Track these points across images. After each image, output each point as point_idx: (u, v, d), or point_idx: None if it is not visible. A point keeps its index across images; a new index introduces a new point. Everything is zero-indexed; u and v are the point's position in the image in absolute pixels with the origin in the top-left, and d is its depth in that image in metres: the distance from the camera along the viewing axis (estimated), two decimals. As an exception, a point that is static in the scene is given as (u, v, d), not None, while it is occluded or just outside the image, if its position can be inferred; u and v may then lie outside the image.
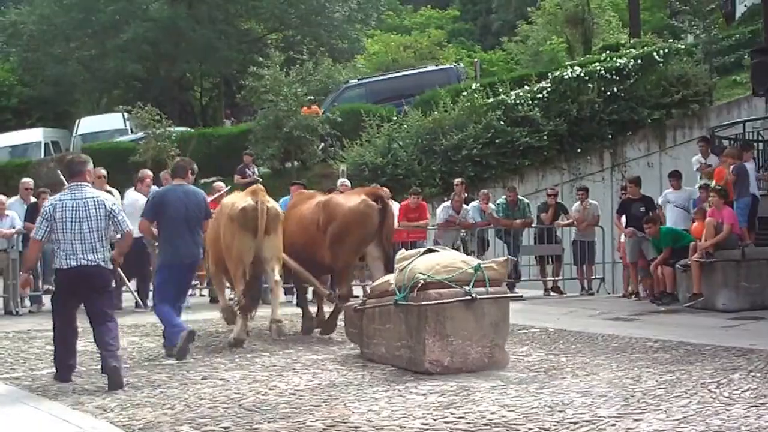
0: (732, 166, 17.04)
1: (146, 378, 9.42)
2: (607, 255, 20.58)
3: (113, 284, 10.81)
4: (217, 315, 12.98)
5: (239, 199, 11.99)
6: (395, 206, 18.98)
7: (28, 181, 18.11)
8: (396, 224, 18.24)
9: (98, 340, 9.42)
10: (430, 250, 10.70)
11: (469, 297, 9.57)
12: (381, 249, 12.51)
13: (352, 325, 11.39)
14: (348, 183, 18.14)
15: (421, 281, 9.70)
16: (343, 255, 12.61)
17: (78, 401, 8.23)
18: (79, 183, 9.69)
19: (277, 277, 12.03)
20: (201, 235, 11.38)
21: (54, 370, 9.62)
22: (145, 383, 9.11)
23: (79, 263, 9.33)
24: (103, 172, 18.55)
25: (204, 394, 8.47)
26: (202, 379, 9.37)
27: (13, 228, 16.18)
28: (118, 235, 9.87)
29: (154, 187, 17.82)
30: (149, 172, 18.27)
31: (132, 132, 37.32)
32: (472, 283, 9.70)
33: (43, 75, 47.79)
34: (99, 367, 9.48)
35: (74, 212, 9.41)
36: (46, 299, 16.65)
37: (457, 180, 20.62)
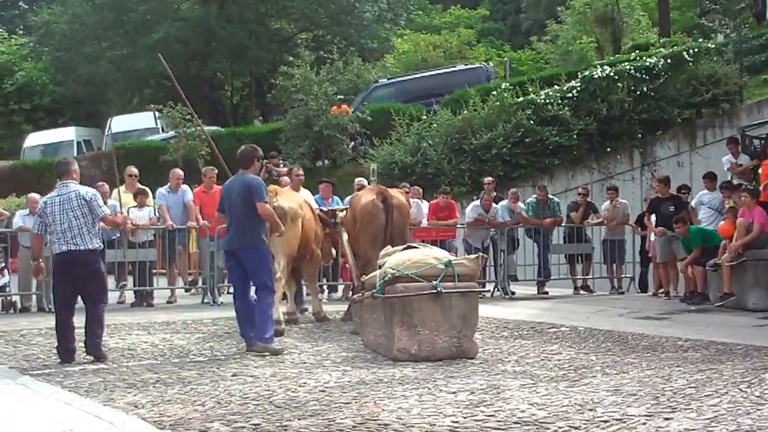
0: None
1: (177, 375, 9.46)
2: (637, 254, 20.51)
3: (103, 268, 11.28)
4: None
5: None
6: (425, 205, 19.08)
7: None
8: (425, 223, 18.43)
9: (87, 323, 10.75)
10: (409, 247, 11.53)
11: (435, 291, 10.26)
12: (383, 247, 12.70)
13: (356, 315, 12.62)
14: (364, 182, 18.25)
15: (389, 275, 10.47)
16: (360, 249, 13.61)
17: (110, 398, 8.27)
18: (65, 181, 11.00)
19: (278, 274, 12.48)
20: (251, 221, 11.27)
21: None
22: (176, 380, 9.14)
23: (69, 248, 10.72)
24: (135, 170, 18.78)
25: (234, 391, 8.49)
26: (232, 376, 9.40)
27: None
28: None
29: (184, 186, 18.02)
30: (180, 172, 18.39)
31: (163, 131, 37.47)
32: (440, 278, 10.38)
33: (75, 74, 48.10)
34: (130, 364, 10.26)
35: (61, 206, 10.79)
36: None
37: (487, 179, 20.64)
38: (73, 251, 10.71)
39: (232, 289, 19.02)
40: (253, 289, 11.33)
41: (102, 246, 11.40)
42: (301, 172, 17.37)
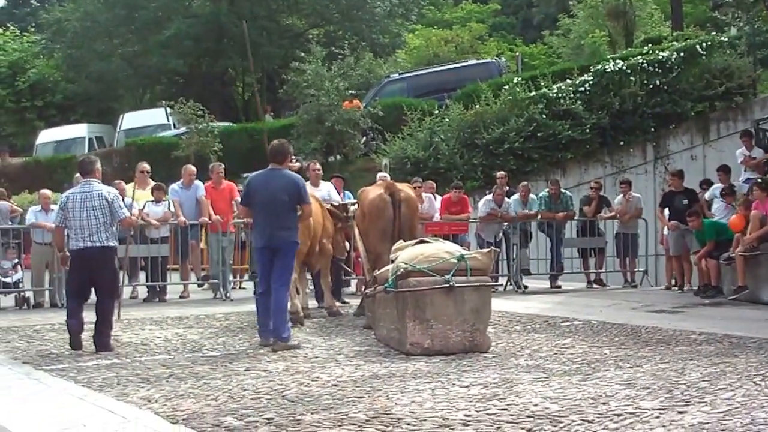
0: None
1: (190, 369, 9.47)
2: (650, 247, 20.47)
3: (116, 265, 11.85)
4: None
5: None
6: (437, 200, 19.08)
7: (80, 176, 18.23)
8: (437, 217, 18.42)
9: (97, 315, 11.16)
10: (422, 241, 11.60)
11: (447, 285, 10.29)
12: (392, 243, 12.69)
13: (369, 310, 12.68)
14: (387, 176, 18.20)
15: (401, 270, 10.55)
16: (370, 244, 13.58)
17: (123, 392, 8.29)
18: (89, 180, 11.45)
19: None
20: (291, 219, 11.35)
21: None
22: (189, 374, 9.16)
23: (85, 245, 11.13)
24: (147, 166, 18.82)
25: (247, 386, 8.50)
26: (245, 370, 9.41)
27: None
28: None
29: (197, 182, 18.06)
30: (193, 168, 18.41)
31: (175, 127, 37.53)
32: (452, 272, 10.43)
33: (86, 71, 48.14)
34: (143, 359, 10.34)
35: (82, 203, 11.17)
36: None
37: (500, 173, 20.64)
38: (90, 248, 11.11)
39: (241, 283, 19.28)
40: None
41: (117, 244, 11.70)
42: (318, 166, 17.36)
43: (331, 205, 14.98)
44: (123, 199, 16.68)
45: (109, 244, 11.24)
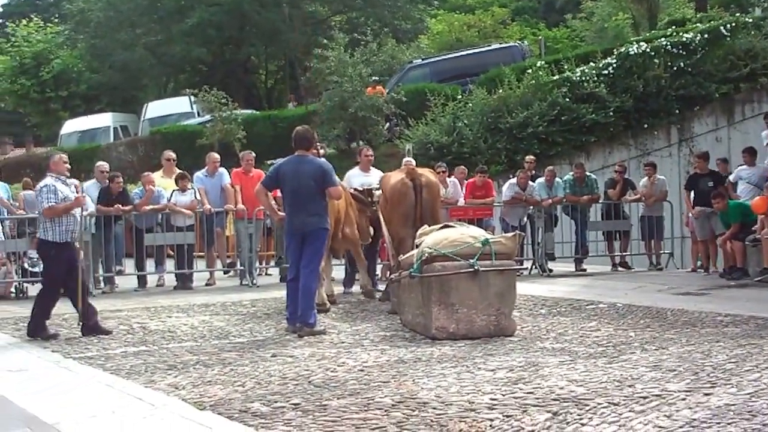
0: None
1: (217, 356, 9.52)
2: (676, 230, 20.41)
3: (50, 255, 11.71)
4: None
5: None
6: (462, 185, 19.07)
7: (103, 164, 18.34)
8: (462, 202, 18.41)
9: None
10: (446, 226, 11.62)
11: (472, 269, 10.32)
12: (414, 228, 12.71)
13: (394, 295, 12.66)
14: (413, 162, 18.16)
15: (426, 255, 10.53)
16: (393, 229, 13.52)
17: (150, 379, 8.34)
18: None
19: None
20: (321, 205, 11.40)
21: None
22: (216, 361, 9.20)
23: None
24: (172, 154, 18.92)
25: (274, 372, 8.53)
26: (271, 356, 9.44)
27: (86, 211, 16.35)
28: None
29: (221, 169, 18.12)
30: (217, 156, 18.48)
31: (198, 115, 37.67)
32: (477, 256, 10.44)
33: (110, 61, 48.36)
34: (170, 346, 10.36)
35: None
36: (119, 280, 17.01)
37: (529, 157, 20.74)
38: (38, 239, 11.93)
39: (267, 269, 19.33)
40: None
41: (60, 239, 11.56)
42: (371, 152, 17.06)
43: (355, 190, 14.94)
44: (153, 190, 17.00)
45: (43, 237, 11.54)
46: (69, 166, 12.00)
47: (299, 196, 11.25)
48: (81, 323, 11.47)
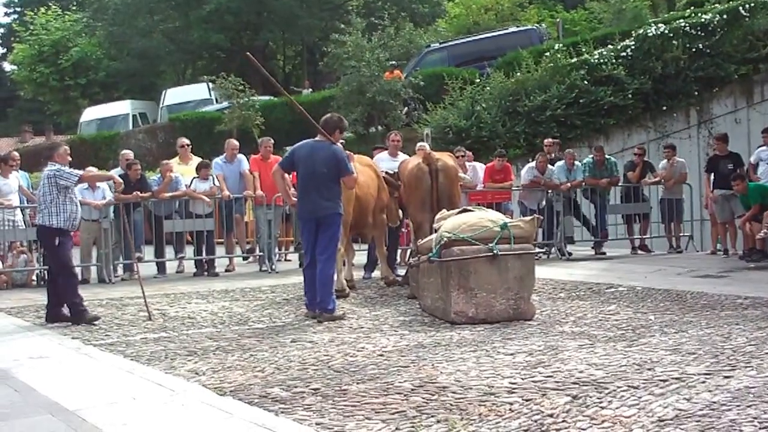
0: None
1: (236, 342, 9.54)
2: (695, 212, 20.34)
3: (56, 243, 11.69)
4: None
5: None
6: (480, 168, 19.05)
7: (128, 152, 18.43)
8: (481, 186, 18.38)
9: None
10: (465, 210, 11.63)
11: (491, 253, 10.38)
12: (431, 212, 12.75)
13: (413, 279, 12.61)
14: (426, 147, 18.11)
15: (445, 239, 10.60)
16: (410, 214, 13.77)
17: (171, 366, 8.37)
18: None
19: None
20: (334, 191, 11.40)
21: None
22: (236, 347, 9.23)
23: (39, 222, 11.82)
24: (186, 141, 19.04)
25: (293, 357, 8.56)
26: (291, 341, 9.47)
27: (104, 199, 16.42)
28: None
29: (240, 156, 18.14)
30: (235, 142, 18.49)
31: (217, 102, 37.73)
32: (495, 240, 10.51)
33: (128, 48, 48.50)
34: (190, 332, 10.43)
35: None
36: (139, 267, 17.06)
37: (548, 140, 20.69)
38: (38, 226, 11.90)
39: (286, 255, 19.36)
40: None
41: (65, 225, 11.68)
42: (399, 137, 17.07)
43: (386, 173, 14.88)
44: (170, 177, 17.04)
45: (45, 223, 11.58)
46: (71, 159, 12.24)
47: (312, 181, 11.27)
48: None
